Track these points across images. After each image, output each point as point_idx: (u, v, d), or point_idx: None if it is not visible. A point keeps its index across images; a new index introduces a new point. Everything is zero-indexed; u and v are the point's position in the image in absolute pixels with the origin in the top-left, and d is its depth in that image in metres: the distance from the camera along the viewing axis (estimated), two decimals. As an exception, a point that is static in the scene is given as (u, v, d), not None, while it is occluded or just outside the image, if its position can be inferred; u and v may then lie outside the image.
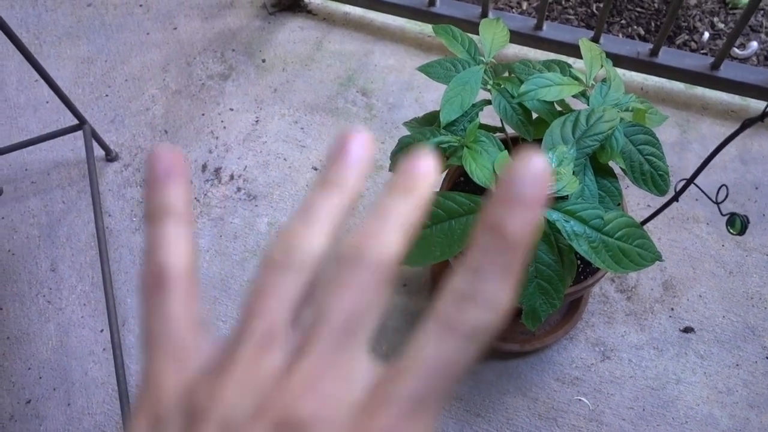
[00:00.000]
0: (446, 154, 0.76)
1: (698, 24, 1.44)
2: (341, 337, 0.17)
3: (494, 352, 1.06)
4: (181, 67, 1.46)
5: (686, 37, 1.42)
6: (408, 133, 0.81)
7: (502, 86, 0.79)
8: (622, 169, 0.76)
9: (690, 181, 0.77)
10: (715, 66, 1.26)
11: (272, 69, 1.44)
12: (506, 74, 0.82)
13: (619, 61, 1.31)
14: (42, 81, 1.22)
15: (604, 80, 0.78)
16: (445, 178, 0.93)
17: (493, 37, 0.81)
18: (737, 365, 1.04)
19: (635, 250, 0.71)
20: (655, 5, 1.47)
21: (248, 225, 1.23)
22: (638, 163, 0.75)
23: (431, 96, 1.37)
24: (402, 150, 0.79)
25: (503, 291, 0.17)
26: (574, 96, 0.75)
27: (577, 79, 0.77)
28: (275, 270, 0.19)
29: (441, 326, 0.17)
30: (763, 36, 1.41)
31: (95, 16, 1.57)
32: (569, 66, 0.80)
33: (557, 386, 1.04)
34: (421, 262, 0.74)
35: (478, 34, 0.82)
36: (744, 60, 1.38)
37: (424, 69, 0.82)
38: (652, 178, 0.75)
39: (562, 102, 0.81)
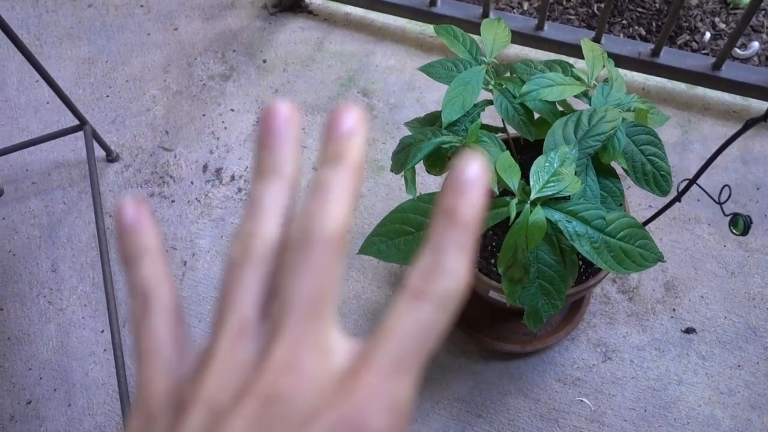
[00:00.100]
0: (448, 154, 0.75)
1: (699, 24, 1.44)
2: (307, 317, 0.18)
3: (495, 353, 1.06)
4: (182, 67, 1.46)
5: (687, 37, 1.42)
6: (409, 133, 0.81)
7: (503, 86, 0.79)
8: (624, 170, 0.76)
9: (693, 181, 0.77)
10: (717, 66, 1.26)
11: (273, 69, 1.44)
12: (508, 74, 0.82)
13: (620, 61, 1.30)
14: (43, 81, 1.22)
15: (605, 80, 0.77)
16: (446, 179, 0.92)
17: (495, 38, 0.81)
18: (739, 366, 1.04)
19: (637, 250, 0.70)
20: (656, 5, 1.47)
21: (249, 225, 1.23)
22: (640, 164, 0.75)
23: (432, 96, 1.36)
24: (403, 150, 0.79)
25: (461, 264, 0.19)
26: (575, 96, 0.75)
27: (578, 79, 0.76)
28: (236, 268, 0.20)
29: (412, 297, 0.18)
30: (764, 36, 1.41)
31: (96, 16, 1.57)
32: (571, 66, 0.80)
33: (559, 387, 1.03)
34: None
35: (479, 34, 0.82)
36: (745, 60, 1.38)
37: (426, 69, 0.81)
38: (654, 178, 0.75)
39: (563, 102, 0.81)
